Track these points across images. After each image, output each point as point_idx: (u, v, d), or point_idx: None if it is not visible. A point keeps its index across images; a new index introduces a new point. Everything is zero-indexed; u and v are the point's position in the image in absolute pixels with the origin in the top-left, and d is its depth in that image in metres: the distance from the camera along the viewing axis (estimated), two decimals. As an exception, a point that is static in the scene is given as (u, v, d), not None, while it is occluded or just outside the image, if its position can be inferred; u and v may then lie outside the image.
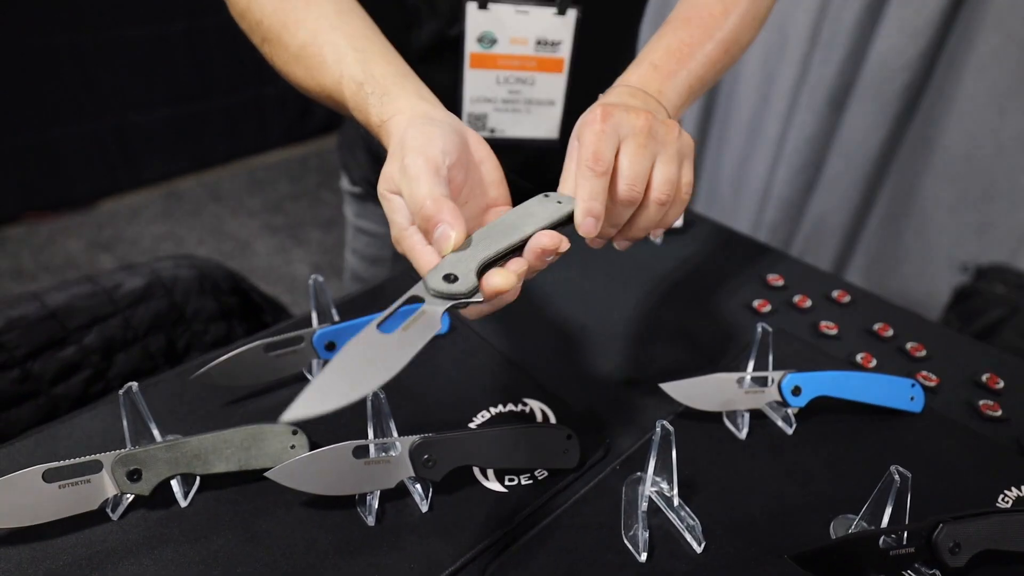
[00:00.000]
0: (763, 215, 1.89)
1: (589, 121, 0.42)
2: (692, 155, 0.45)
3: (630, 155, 0.42)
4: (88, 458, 0.43)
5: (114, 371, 0.77)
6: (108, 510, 0.44)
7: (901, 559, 0.38)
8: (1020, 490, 0.48)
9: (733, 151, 1.92)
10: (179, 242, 2.29)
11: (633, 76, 0.51)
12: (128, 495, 0.45)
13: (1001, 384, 0.57)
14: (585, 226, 0.41)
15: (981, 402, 0.55)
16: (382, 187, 0.41)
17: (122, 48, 2.23)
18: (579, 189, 0.41)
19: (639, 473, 0.47)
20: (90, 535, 0.43)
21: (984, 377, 0.58)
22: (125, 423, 0.45)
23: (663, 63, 0.52)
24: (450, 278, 0.35)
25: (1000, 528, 0.39)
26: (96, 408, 0.53)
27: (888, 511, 0.39)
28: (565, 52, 0.68)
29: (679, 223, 0.79)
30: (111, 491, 0.43)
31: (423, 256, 0.38)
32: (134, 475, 0.43)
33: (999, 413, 0.54)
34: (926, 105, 1.54)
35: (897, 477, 0.39)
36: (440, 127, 0.42)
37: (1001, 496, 0.47)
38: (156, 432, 0.47)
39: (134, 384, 0.45)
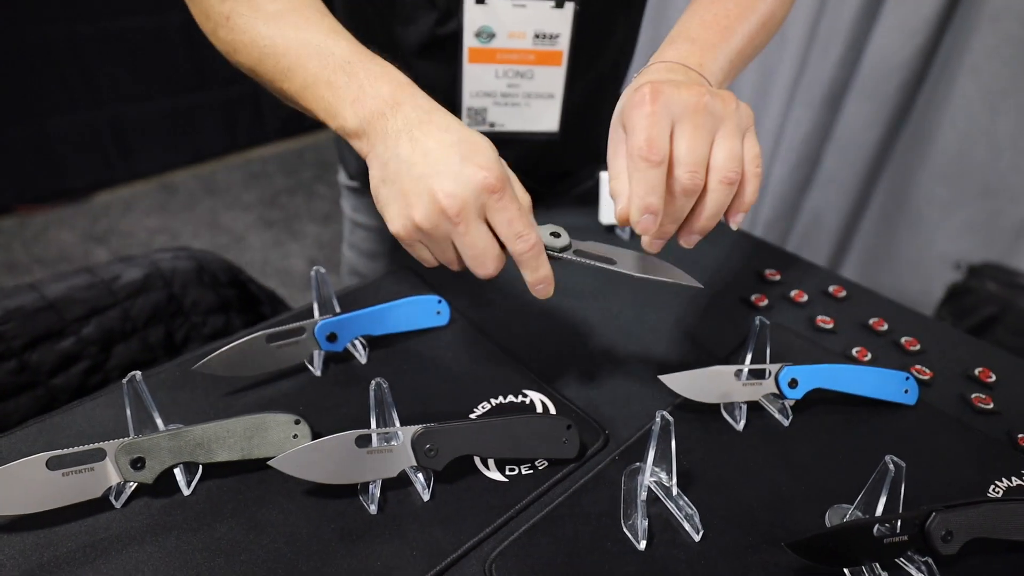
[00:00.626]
0: (760, 211, 1.90)
1: (637, 103, 0.38)
2: (753, 125, 0.42)
3: (687, 137, 0.38)
4: (92, 446, 0.43)
5: (112, 363, 0.77)
6: (111, 498, 0.44)
7: (894, 547, 0.39)
8: (1011, 481, 0.49)
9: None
10: (174, 235, 2.28)
11: (670, 51, 0.48)
12: (131, 483, 0.45)
13: (993, 378, 0.58)
14: (643, 224, 0.38)
15: (973, 395, 0.56)
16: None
17: (118, 40, 2.21)
18: (633, 183, 0.38)
19: (638, 463, 0.48)
20: (93, 523, 0.43)
21: (977, 371, 0.59)
22: (129, 412, 0.45)
23: (700, 36, 0.49)
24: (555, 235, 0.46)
25: (991, 517, 0.39)
26: (98, 397, 0.53)
27: (882, 500, 0.40)
28: (564, 45, 0.68)
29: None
30: (114, 479, 0.43)
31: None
32: (137, 463, 0.44)
33: (991, 406, 0.55)
34: (921, 103, 1.55)
35: (892, 467, 0.39)
36: None
37: (992, 487, 0.48)
38: (159, 421, 0.47)
39: (137, 373, 0.45)
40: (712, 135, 0.39)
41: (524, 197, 0.44)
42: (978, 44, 1.38)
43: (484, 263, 0.43)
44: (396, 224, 0.43)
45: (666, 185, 0.39)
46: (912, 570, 0.41)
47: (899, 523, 0.39)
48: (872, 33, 1.50)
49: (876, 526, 0.39)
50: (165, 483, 0.45)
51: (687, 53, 0.47)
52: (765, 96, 1.74)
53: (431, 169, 0.40)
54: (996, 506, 0.40)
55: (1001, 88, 1.39)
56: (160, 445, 0.44)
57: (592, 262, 0.46)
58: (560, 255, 0.45)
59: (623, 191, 0.40)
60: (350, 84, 0.45)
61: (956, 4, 1.39)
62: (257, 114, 2.70)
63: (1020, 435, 0.52)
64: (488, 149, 0.41)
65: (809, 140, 1.70)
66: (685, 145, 0.38)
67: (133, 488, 0.45)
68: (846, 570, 0.41)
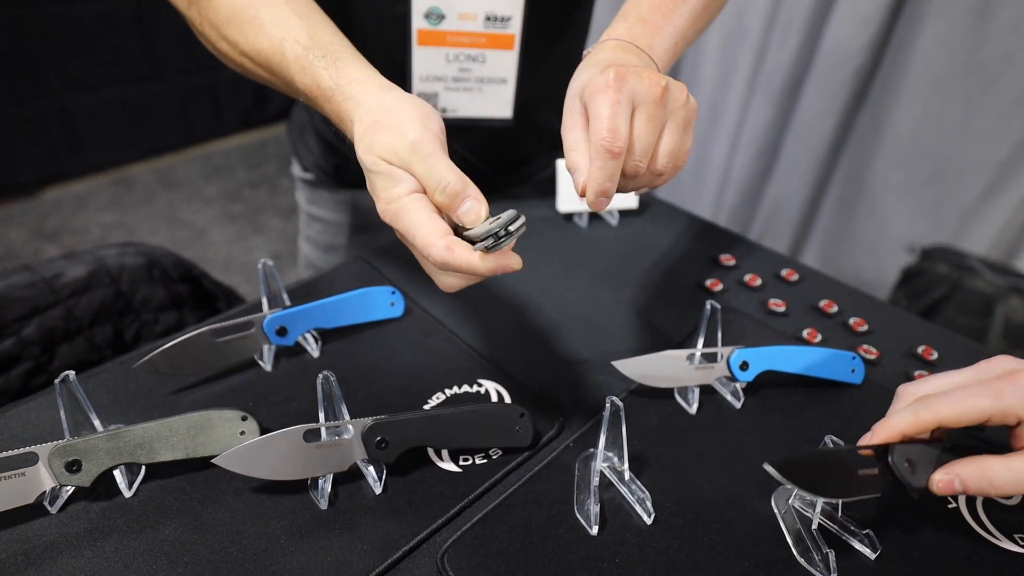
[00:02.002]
0: (723, 198, 1.92)
1: (602, 87, 0.39)
2: (695, 120, 0.43)
3: (641, 125, 0.40)
4: (22, 450, 0.41)
5: (57, 363, 0.75)
6: (46, 503, 0.42)
7: (868, 480, 0.40)
8: (951, 455, 0.50)
9: (695, 135, 1.95)
10: (130, 230, 2.21)
11: (620, 28, 0.49)
12: (67, 487, 0.43)
13: (936, 355, 0.60)
14: (597, 204, 0.40)
15: (916, 372, 0.58)
16: (376, 156, 0.40)
17: (65, 25, 2.12)
18: (593, 168, 0.39)
19: (592, 449, 0.48)
20: (26, 530, 0.41)
21: (920, 349, 0.60)
22: (63, 413, 0.43)
23: (650, 16, 0.50)
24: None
25: (949, 452, 0.41)
26: (33, 400, 0.51)
27: (825, 477, 0.41)
28: (516, 28, 0.68)
29: (634, 204, 0.79)
30: (48, 484, 0.42)
31: (426, 226, 0.38)
32: (73, 466, 0.42)
33: (934, 383, 0.57)
34: (876, 90, 1.58)
35: (831, 446, 0.40)
36: (423, 103, 0.42)
37: (933, 461, 0.50)
38: (97, 422, 0.45)
39: (71, 373, 0.44)
40: (662, 126, 0.41)
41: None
42: (928, 33, 1.42)
43: (440, 285, 0.43)
44: None
45: None
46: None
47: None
48: (828, 22, 1.52)
49: (851, 454, 0.40)
50: (105, 486, 0.44)
51: (638, 33, 0.49)
52: (726, 86, 1.76)
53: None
54: (951, 444, 0.42)
55: (949, 76, 1.43)
56: (97, 447, 0.43)
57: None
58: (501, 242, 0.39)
59: (581, 164, 0.40)
60: (311, 102, 0.48)
61: (907, -8, 1.42)
62: (215, 106, 2.62)
63: (960, 410, 0.54)
64: (379, 173, 0.41)
65: (769, 128, 1.73)
66: (637, 133, 0.40)
67: (70, 492, 0.43)
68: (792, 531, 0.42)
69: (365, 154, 0.41)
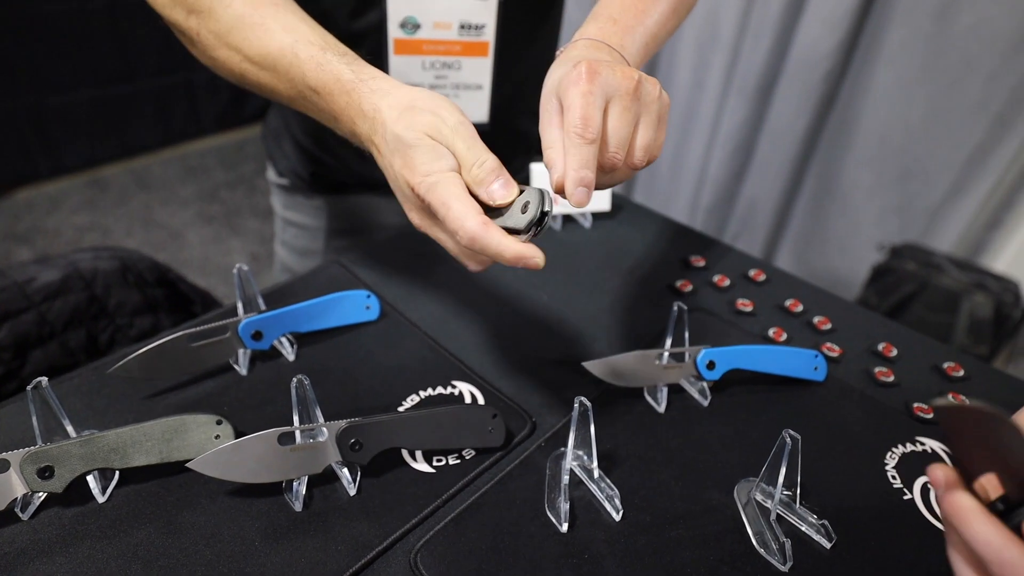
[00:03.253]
0: (699, 198, 1.95)
1: (574, 80, 0.40)
2: (667, 115, 0.44)
3: (616, 118, 0.41)
4: (-6, 457, 0.41)
5: (29, 369, 0.74)
6: (17, 510, 0.42)
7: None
8: (906, 447, 0.52)
9: (670, 137, 1.97)
10: (105, 232, 2.18)
11: (592, 28, 0.50)
12: (40, 493, 0.43)
13: (895, 352, 0.62)
14: (577, 196, 0.40)
15: (877, 369, 0.60)
16: (419, 131, 0.42)
17: (37, 24, 2.08)
18: (568, 157, 0.40)
19: (562, 448, 0.49)
20: (-1, 536, 0.41)
21: (880, 346, 0.63)
22: (35, 420, 0.44)
23: (621, 17, 0.51)
24: (525, 208, 0.40)
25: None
26: (4, 406, 0.51)
27: (783, 471, 0.43)
28: (489, 36, 0.69)
29: (607, 206, 0.81)
30: (20, 490, 0.42)
31: (462, 199, 0.39)
32: (45, 472, 0.42)
33: (892, 379, 0.59)
34: (845, 93, 1.62)
35: (788, 441, 0.42)
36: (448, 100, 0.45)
37: (888, 452, 0.52)
38: (70, 428, 0.45)
39: (43, 379, 0.44)
40: (637, 119, 0.42)
41: (480, 164, 0.42)
42: (893, 37, 1.46)
43: (464, 264, 0.44)
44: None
45: None
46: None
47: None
48: (798, 25, 1.56)
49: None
50: (78, 492, 0.44)
51: (610, 32, 0.50)
52: (701, 87, 1.79)
53: (394, 187, 0.45)
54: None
55: (914, 78, 1.47)
56: (70, 452, 0.43)
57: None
58: (538, 231, 0.40)
59: (558, 161, 0.41)
60: (319, 102, 0.48)
61: (873, -2, 1.46)
62: (192, 106, 2.59)
63: (916, 404, 0.56)
64: (416, 146, 0.42)
65: (743, 129, 1.76)
66: (612, 126, 0.41)
67: (42, 498, 0.44)
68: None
69: (406, 130, 0.42)
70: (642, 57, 0.53)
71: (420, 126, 0.42)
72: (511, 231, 0.40)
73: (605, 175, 0.43)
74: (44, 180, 2.34)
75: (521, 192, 0.41)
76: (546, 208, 0.39)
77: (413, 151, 0.41)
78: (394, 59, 0.68)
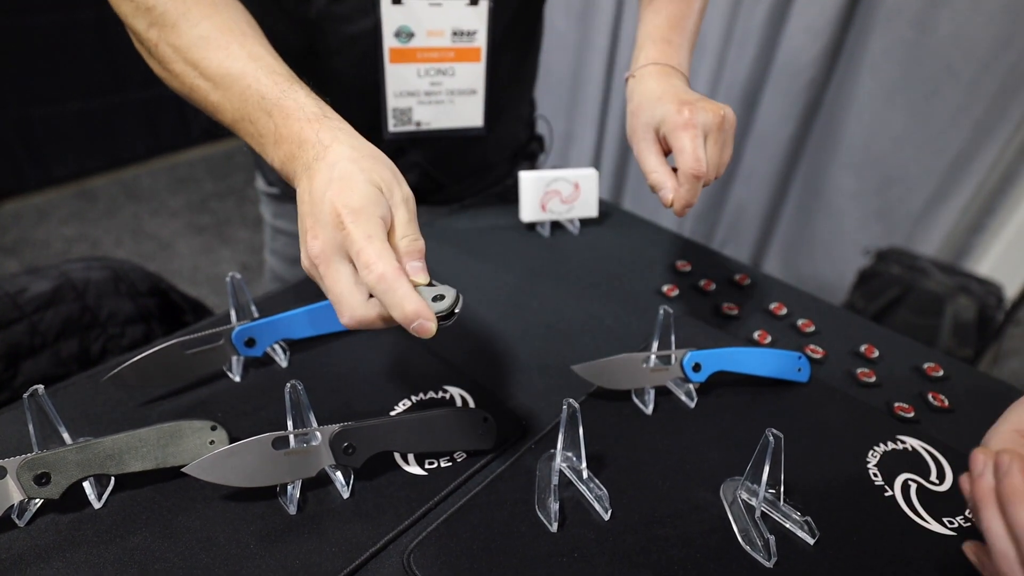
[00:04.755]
0: (687, 206, 1.97)
1: (683, 125, 0.51)
2: (734, 132, 0.55)
3: (711, 149, 0.53)
4: (-10, 464, 0.42)
5: (21, 379, 0.74)
6: (14, 516, 0.43)
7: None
8: (887, 445, 0.54)
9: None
10: (94, 244, 2.17)
11: (653, 52, 0.59)
12: (36, 500, 0.44)
13: (877, 354, 0.64)
14: (682, 214, 0.53)
15: (859, 370, 0.61)
16: (374, 177, 0.41)
17: (25, 36, 2.08)
18: (682, 190, 0.52)
19: (552, 450, 0.50)
20: (-5, 543, 0.42)
21: (862, 348, 0.64)
22: (31, 427, 0.44)
23: (672, 37, 0.61)
24: (439, 297, 0.40)
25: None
26: (0, 415, 0.51)
27: (766, 470, 0.44)
28: (481, 41, 0.70)
29: (594, 213, 0.82)
30: (16, 497, 0.42)
31: (389, 246, 0.40)
32: (42, 479, 0.43)
33: (873, 379, 0.60)
34: (829, 100, 1.65)
35: (772, 439, 0.43)
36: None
37: (871, 451, 0.53)
38: (66, 435, 0.46)
39: (40, 387, 0.44)
40: (723, 145, 0.54)
41: (402, 208, 0.42)
42: (875, 45, 1.49)
43: (341, 309, 0.40)
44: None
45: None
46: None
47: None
48: (782, 34, 1.59)
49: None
50: (74, 498, 0.44)
51: (670, 54, 0.60)
52: (688, 94, 1.82)
53: (307, 211, 0.42)
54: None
55: (896, 85, 1.50)
56: (66, 459, 0.43)
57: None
58: (440, 323, 0.39)
59: (667, 183, 0.53)
60: (268, 123, 0.47)
61: (855, 7, 1.49)
62: (180, 116, 2.59)
63: (896, 404, 0.58)
64: (362, 183, 0.41)
65: (730, 136, 1.78)
66: (709, 156, 0.53)
67: (39, 505, 0.44)
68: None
69: (361, 171, 0.41)
70: (689, 64, 0.62)
71: (376, 175, 0.42)
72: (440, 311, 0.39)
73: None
74: (32, 191, 2.33)
75: (433, 284, 0.41)
76: (457, 309, 0.40)
77: (358, 186, 0.40)
78: (390, 67, 0.69)
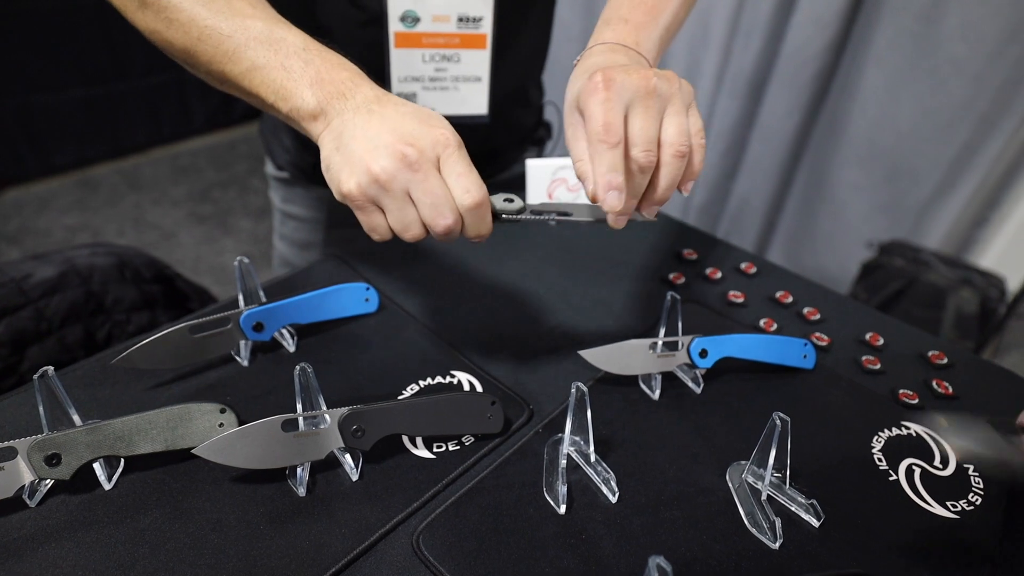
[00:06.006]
0: (692, 197, 1.97)
1: (591, 90, 0.42)
2: (695, 100, 0.45)
3: (639, 119, 0.42)
4: (1, 445, 0.42)
5: (27, 364, 0.74)
6: (25, 497, 0.43)
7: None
8: (891, 431, 0.54)
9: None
10: (96, 233, 2.17)
11: (607, 33, 0.52)
12: (47, 481, 0.44)
13: (881, 341, 0.64)
14: (609, 200, 0.41)
15: (864, 357, 0.62)
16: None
17: (25, 22, 2.07)
18: (595, 164, 0.41)
19: (560, 434, 0.50)
20: (5, 523, 0.42)
21: (867, 336, 0.64)
22: (41, 409, 0.44)
23: (632, 16, 0.53)
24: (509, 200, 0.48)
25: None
26: (7, 398, 0.51)
27: (773, 453, 0.44)
28: (487, 28, 0.70)
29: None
30: (27, 478, 0.43)
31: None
32: (52, 460, 0.43)
33: (878, 366, 0.61)
34: (835, 92, 1.64)
35: (779, 423, 0.43)
36: None
37: (875, 436, 0.53)
38: (76, 416, 0.46)
39: (49, 368, 0.44)
40: (661, 114, 0.43)
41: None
42: (881, 37, 1.48)
43: (443, 212, 0.42)
44: (350, 183, 0.42)
45: (625, 164, 0.42)
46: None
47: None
48: (788, 26, 1.58)
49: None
50: (84, 479, 0.45)
51: (623, 34, 0.52)
52: (694, 86, 1.81)
53: (389, 127, 0.42)
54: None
55: (901, 78, 1.50)
56: (77, 440, 0.44)
57: (551, 216, 0.49)
58: (518, 216, 0.47)
59: (589, 172, 0.42)
60: (307, 69, 0.46)
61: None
62: (183, 105, 2.58)
63: (901, 391, 0.58)
64: (442, 118, 0.45)
65: (735, 129, 1.78)
66: (638, 126, 0.42)
67: (49, 486, 0.44)
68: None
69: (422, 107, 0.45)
70: (659, 51, 0.54)
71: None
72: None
73: (647, 176, 0.43)
74: (33, 180, 2.33)
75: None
76: (526, 212, 0.47)
77: (430, 114, 0.44)
78: (395, 52, 0.69)
